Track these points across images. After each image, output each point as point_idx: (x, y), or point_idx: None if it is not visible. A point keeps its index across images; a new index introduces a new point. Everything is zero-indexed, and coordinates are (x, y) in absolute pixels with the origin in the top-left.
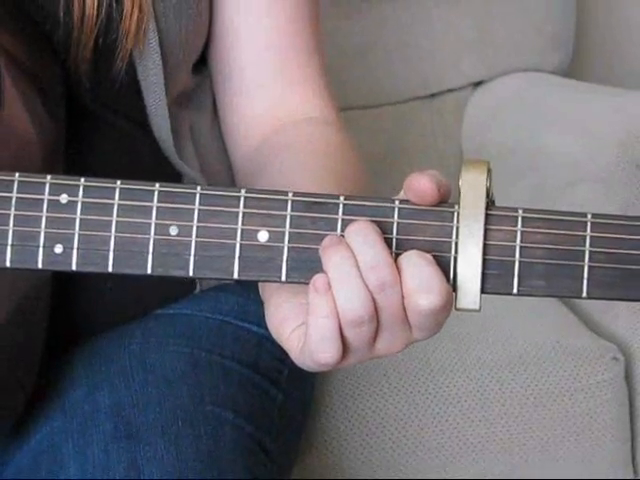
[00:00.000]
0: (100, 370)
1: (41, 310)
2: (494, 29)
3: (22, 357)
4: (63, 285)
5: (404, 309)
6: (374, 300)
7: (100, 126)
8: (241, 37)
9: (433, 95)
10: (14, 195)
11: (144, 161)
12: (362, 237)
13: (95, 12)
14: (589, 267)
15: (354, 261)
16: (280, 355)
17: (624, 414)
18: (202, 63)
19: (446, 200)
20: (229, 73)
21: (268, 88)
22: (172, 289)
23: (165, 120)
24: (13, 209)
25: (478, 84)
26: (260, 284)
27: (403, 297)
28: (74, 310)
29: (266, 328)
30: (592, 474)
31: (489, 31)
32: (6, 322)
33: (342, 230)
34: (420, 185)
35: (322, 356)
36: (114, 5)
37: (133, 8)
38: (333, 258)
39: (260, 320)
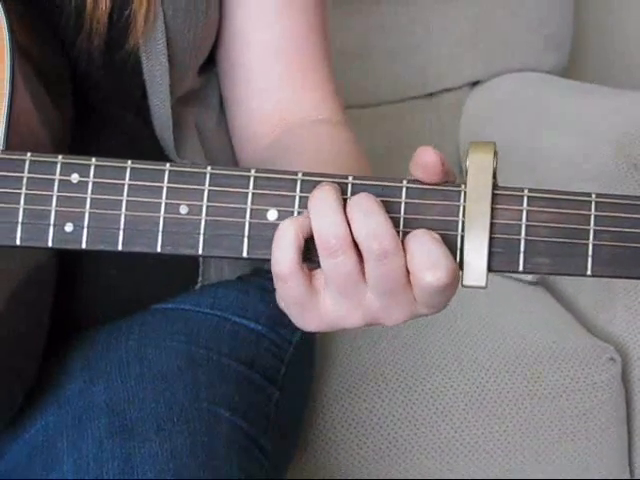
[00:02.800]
0: (96, 364)
1: (44, 301)
2: (492, 29)
3: (23, 349)
4: (66, 276)
5: (407, 278)
6: (376, 267)
7: (105, 122)
8: (251, 41)
9: (431, 94)
10: (25, 174)
11: (147, 157)
12: (363, 207)
13: (105, 5)
14: (593, 245)
15: (335, 195)
16: (278, 353)
17: (621, 415)
18: (209, 61)
19: (451, 180)
20: (238, 76)
21: (276, 92)
22: (173, 283)
23: (168, 119)
24: (24, 188)
25: (475, 84)
26: None
27: (409, 273)
28: (76, 301)
29: (264, 325)
30: (588, 475)
31: (487, 31)
32: (7, 312)
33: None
34: (426, 157)
35: (275, 264)
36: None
37: (141, 5)
38: (315, 193)
39: (259, 317)
